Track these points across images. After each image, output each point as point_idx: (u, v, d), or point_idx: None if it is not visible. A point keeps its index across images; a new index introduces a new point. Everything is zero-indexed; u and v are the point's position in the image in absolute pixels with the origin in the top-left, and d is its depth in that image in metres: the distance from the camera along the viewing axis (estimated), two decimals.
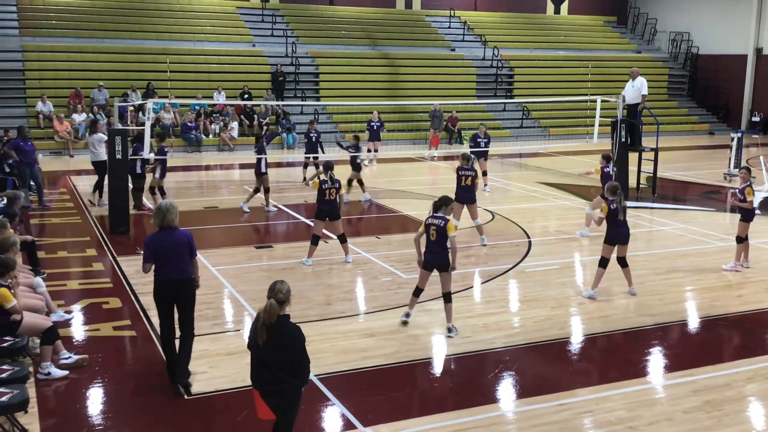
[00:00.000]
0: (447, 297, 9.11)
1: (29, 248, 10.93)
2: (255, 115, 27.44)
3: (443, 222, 8.91)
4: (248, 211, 16.07)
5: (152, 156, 15.70)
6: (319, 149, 19.11)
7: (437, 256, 8.99)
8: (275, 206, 16.48)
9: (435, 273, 9.15)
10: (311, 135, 19.10)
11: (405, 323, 9.28)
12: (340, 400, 7.33)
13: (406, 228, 14.97)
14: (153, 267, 7.49)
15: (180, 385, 7.54)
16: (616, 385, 7.84)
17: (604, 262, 10.52)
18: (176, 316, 7.65)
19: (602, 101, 18.82)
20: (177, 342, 7.72)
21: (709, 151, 29.05)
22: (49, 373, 7.73)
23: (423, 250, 9.15)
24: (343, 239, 12.21)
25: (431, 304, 10.03)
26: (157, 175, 15.69)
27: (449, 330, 9.10)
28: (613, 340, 9.23)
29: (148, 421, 7.04)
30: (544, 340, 9.04)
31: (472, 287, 11.15)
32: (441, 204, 9.05)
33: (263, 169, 15.96)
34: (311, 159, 19.42)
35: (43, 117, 24.79)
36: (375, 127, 23.18)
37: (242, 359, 8.06)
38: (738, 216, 12.21)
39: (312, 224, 12.72)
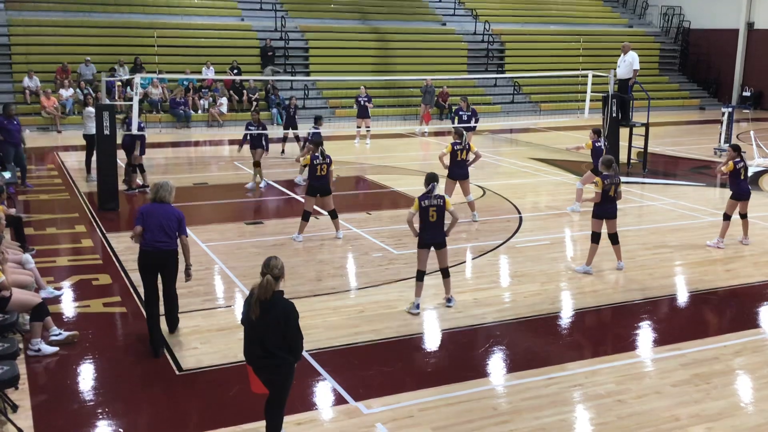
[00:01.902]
0: (446, 272, 9.16)
1: (16, 224, 10.86)
2: (244, 91, 27.22)
3: (442, 201, 8.92)
4: (251, 187, 16.12)
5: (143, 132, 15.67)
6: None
7: (437, 236, 8.96)
8: (256, 184, 16.30)
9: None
10: (290, 109, 19.51)
11: (417, 314, 8.99)
12: (331, 376, 7.36)
13: (397, 204, 14.96)
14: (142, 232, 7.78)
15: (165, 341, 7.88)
16: (605, 358, 7.90)
17: (595, 237, 10.54)
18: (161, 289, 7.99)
19: (594, 76, 18.76)
20: (162, 319, 7.98)
21: (700, 126, 29.08)
22: (39, 350, 7.72)
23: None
24: (334, 215, 12.19)
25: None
26: (137, 152, 15.54)
27: (448, 300, 9.18)
28: (602, 315, 9.28)
29: (140, 396, 7.05)
30: (534, 315, 9.08)
31: (463, 263, 11.16)
32: (433, 180, 9.01)
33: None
34: (290, 133, 20.03)
35: (30, 92, 24.53)
36: (362, 103, 22.91)
37: (234, 335, 8.08)
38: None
39: (303, 200, 12.67)
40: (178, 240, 7.88)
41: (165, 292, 8.05)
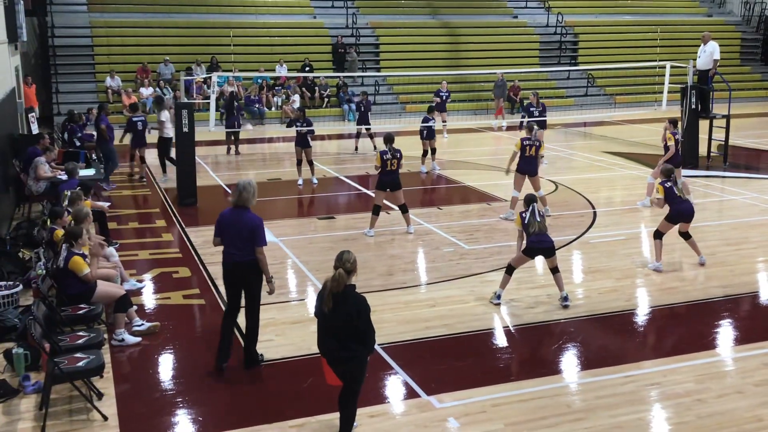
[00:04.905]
0: (555, 269, 9.08)
1: (101, 219, 11.30)
2: (316, 87, 27.55)
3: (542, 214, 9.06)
4: (303, 184, 16.16)
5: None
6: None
7: (545, 242, 8.95)
8: (308, 181, 16.26)
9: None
10: (362, 105, 19.76)
11: (498, 305, 9.09)
12: (403, 369, 7.40)
13: (468, 199, 14.90)
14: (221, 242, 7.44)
15: (251, 366, 7.51)
16: (684, 357, 7.69)
17: (659, 235, 10.29)
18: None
19: (672, 67, 18.24)
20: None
21: None
22: (122, 340, 8.02)
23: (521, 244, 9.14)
24: (404, 210, 12.23)
25: (493, 275, 10.01)
26: (127, 141, 16.66)
27: (564, 299, 9.02)
28: (680, 312, 9.04)
29: (218, 386, 7.24)
30: (609, 312, 8.92)
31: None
32: (532, 201, 9.04)
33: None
34: (364, 129, 20.07)
35: (112, 92, 25.44)
36: (444, 98, 22.84)
37: (307, 327, 8.23)
38: None
39: (373, 195, 12.76)
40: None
41: (246, 308, 7.48)
